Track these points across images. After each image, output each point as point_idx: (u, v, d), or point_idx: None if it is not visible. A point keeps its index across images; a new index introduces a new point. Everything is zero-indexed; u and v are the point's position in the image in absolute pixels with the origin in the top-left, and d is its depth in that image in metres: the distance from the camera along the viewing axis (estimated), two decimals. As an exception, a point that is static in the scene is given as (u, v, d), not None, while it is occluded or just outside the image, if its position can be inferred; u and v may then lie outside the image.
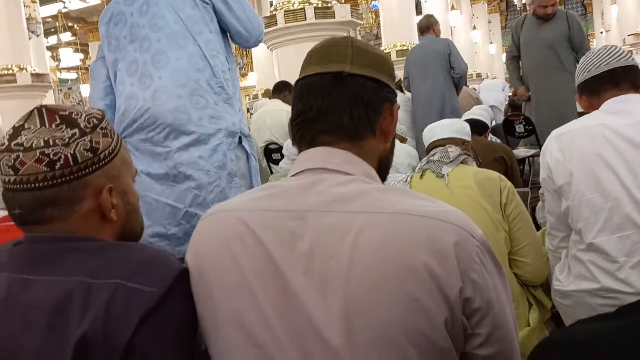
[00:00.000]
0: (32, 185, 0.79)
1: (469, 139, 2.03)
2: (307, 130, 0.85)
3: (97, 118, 0.85)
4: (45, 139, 0.79)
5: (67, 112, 0.83)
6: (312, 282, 0.73)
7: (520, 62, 4.35)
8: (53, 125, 0.81)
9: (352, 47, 0.85)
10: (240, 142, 1.94)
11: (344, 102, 0.83)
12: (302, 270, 0.74)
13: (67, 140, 0.80)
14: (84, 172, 0.82)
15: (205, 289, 0.81)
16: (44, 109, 0.83)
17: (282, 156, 3.95)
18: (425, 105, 4.41)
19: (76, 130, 0.81)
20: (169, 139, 1.80)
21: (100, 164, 0.84)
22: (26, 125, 0.81)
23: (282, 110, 4.44)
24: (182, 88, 1.79)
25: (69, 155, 0.80)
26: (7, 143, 0.80)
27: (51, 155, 0.79)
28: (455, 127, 2.00)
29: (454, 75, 4.47)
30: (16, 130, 0.81)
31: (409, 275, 0.70)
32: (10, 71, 6.57)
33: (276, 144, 4.32)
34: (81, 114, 0.84)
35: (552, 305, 1.69)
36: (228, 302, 0.78)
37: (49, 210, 0.81)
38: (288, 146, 3.86)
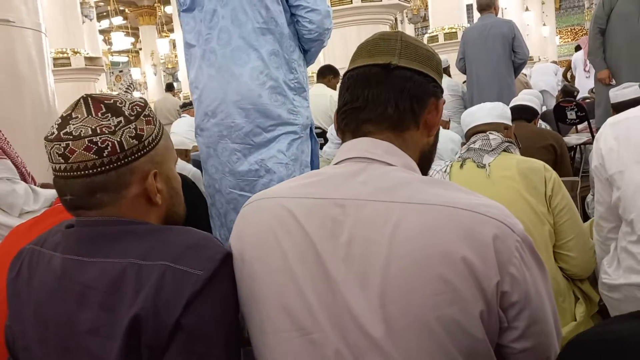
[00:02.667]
0: (82, 172, 0.83)
1: (510, 123, 1.93)
2: (352, 119, 0.87)
3: (141, 106, 0.88)
4: (93, 127, 0.82)
5: (111, 101, 0.86)
6: (351, 269, 0.74)
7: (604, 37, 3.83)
8: (99, 114, 0.84)
9: (401, 41, 0.87)
10: (310, 132, 2.01)
11: (390, 93, 0.84)
12: (341, 257, 0.75)
13: (113, 128, 0.83)
14: (130, 158, 0.85)
15: (249, 273, 0.83)
16: (89, 98, 0.86)
17: (326, 140, 3.97)
18: (481, 89, 4.20)
19: (121, 118, 0.84)
20: (248, 137, 1.88)
21: (145, 150, 0.87)
22: (73, 115, 0.84)
23: (325, 95, 4.43)
24: (262, 87, 1.85)
25: (115, 142, 0.83)
26: (56, 132, 0.83)
27: (99, 143, 0.82)
28: (497, 112, 1.89)
29: (516, 61, 4.22)
30: (64, 120, 0.84)
31: (447, 265, 0.70)
32: (65, 55, 6.77)
33: (320, 128, 4.33)
34: (125, 102, 0.87)
35: (600, 298, 1.64)
36: (272, 287, 0.80)
37: (98, 196, 0.85)
38: (332, 131, 3.86)
